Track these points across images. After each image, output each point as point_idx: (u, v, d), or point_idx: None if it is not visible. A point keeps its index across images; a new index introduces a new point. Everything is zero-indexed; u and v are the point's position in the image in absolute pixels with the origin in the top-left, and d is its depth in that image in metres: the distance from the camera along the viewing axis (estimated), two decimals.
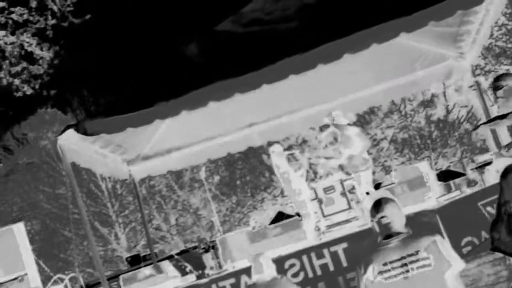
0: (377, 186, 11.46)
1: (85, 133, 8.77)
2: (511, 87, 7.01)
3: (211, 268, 10.56)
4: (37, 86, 18.86)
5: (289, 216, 10.93)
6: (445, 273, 4.03)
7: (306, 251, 9.26)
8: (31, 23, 18.57)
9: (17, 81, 18.60)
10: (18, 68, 18.61)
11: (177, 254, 13.04)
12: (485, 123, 7.55)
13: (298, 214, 10.95)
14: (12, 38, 18.31)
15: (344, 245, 9.07)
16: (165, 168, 12.95)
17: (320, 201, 10.98)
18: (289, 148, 13.48)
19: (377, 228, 4.30)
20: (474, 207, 8.73)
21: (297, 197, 10.97)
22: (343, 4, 9.19)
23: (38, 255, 19.54)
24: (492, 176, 9.50)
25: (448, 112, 26.57)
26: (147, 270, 10.35)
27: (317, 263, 9.10)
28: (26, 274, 9.10)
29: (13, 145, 27.46)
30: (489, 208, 8.50)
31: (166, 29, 17.29)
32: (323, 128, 10.78)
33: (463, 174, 12.63)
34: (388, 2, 8.80)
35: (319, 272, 9.10)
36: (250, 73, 8.48)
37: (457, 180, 11.61)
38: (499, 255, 6.14)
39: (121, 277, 10.71)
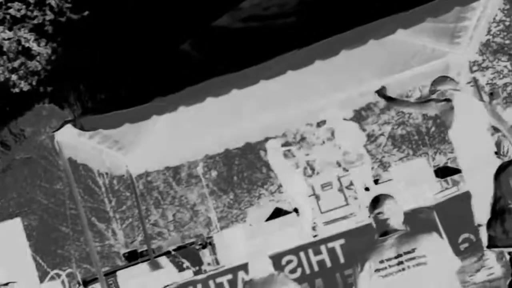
0: (375, 182, 11.48)
1: (82, 128, 8.73)
2: (443, 92, 7.08)
3: (208, 264, 10.56)
4: (34, 82, 18.84)
5: (286, 213, 10.93)
6: (441, 271, 4.02)
7: (304, 247, 9.22)
8: (29, 18, 18.54)
9: (14, 77, 18.58)
10: (16, 63, 18.59)
11: (174, 250, 13.04)
12: None
13: (295, 210, 10.95)
14: (9, 34, 18.27)
15: (342, 241, 9.04)
16: (163, 164, 12.95)
17: (317, 197, 10.99)
18: (286, 144, 13.48)
19: (374, 225, 4.29)
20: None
21: (294, 193, 10.96)
22: (341, 0, 9.18)
23: (35, 250, 19.51)
24: None
25: None
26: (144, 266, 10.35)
27: (314, 259, 9.08)
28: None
29: (10, 140, 27.44)
30: None
31: (164, 25, 17.28)
32: (320, 124, 10.79)
33: (461, 171, 12.62)
34: None
35: (316, 268, 9.08)
36: (248, 68, 8.45)
37: (454, 177, 11.61)
38: (495, 252, 6.16)
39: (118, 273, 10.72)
